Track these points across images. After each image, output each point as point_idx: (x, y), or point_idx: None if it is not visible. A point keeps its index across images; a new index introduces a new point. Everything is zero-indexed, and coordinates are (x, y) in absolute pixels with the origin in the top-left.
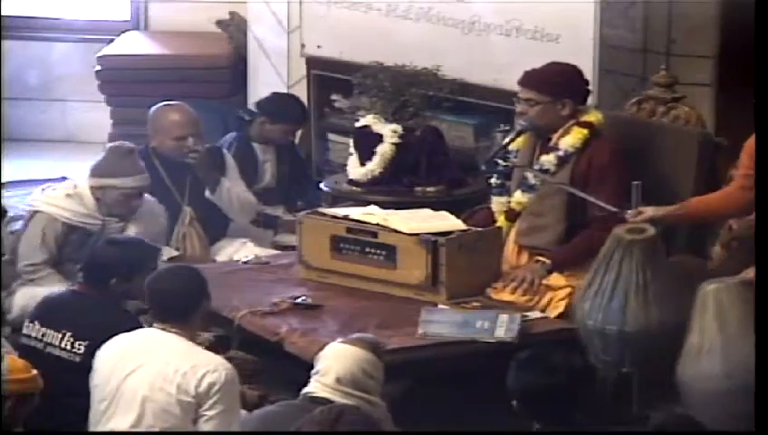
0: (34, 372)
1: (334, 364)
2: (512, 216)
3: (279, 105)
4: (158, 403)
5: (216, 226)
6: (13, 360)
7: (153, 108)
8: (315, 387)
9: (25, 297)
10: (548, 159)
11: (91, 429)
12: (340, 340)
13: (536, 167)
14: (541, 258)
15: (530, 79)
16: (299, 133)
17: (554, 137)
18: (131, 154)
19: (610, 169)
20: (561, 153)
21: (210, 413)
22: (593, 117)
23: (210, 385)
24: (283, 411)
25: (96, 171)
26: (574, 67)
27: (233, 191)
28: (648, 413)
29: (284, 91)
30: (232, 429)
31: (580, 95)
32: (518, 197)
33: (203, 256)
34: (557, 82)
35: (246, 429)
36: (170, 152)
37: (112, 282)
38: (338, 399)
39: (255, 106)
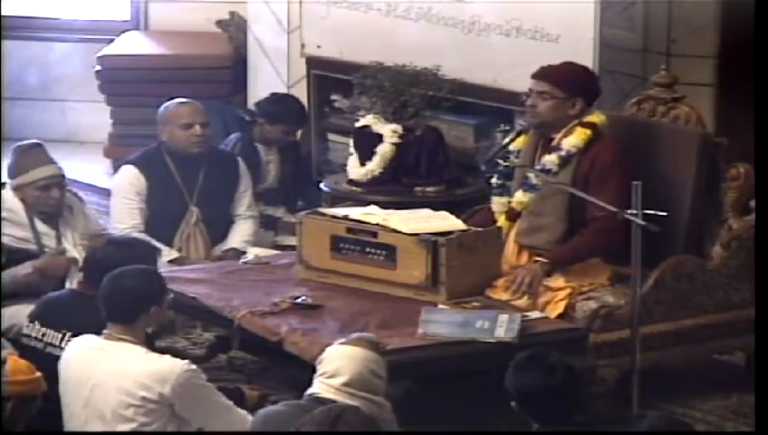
0: (38, 374)
1: (343, 367)
2: (513, 215)
3: (277, 106)
4: (124, 415)
5: (220, 227)
6: (16, 361)
7: (162, 105)
8: (321, 388)
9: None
10: (550, 159)
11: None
12: (341, 341)
13: (538, 167)
14: (540, 258)
15: (547, 73)
16: (299, 133)
17: (557, 137)
18: (36, 148)
19: (614, 169)
20: (563, 153)
21: (190, 414)
22: (596, 118)
23: (173, 388)
24: (290, 412)
25: (9, 174)
26: (590, 70)
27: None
28: (644, 413)
29: (284, 90)
30: (221, 411)
31: (590, 97)
32: (519, 196)
33: (205, 258)
34: (573, 81)
35: (253, 428)
36: (179, 142)
37: None
38: (344, 400)
39: (255, 107)
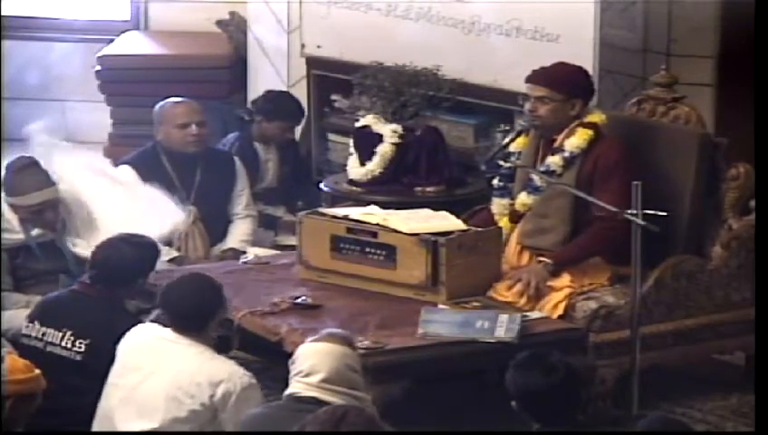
0: (37, 372)
1: (318, 364)
2: (515, 217)
3: (273, 103)
4: (173, 411)
5: (219, 226)
6: (14, 360)
7: (158, 104)
8: (299, 387)
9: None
10: (554, 161)
11: (98, 422)
12: (311, 339)
13: (542, 168)
14: (543, 259)
15: (542, 76)
16: (299, 132)
17: (559, 138)
18: (30, 168)
19: (618, 169)
20: (566, 155)
21: (229, 425)
22: (597, 117)
23: (227, 395)
24: (272, 413)
25: (5, 191)
26: (583, 68)
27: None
28: (644, 413)
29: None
30: None
31: (588, 96)
32: (523, 198)
33: (205, 256)
34: (569, 82)
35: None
36: (176, 141)
37: (140, 282)
38: (325, 397)
39: (252, 105)
